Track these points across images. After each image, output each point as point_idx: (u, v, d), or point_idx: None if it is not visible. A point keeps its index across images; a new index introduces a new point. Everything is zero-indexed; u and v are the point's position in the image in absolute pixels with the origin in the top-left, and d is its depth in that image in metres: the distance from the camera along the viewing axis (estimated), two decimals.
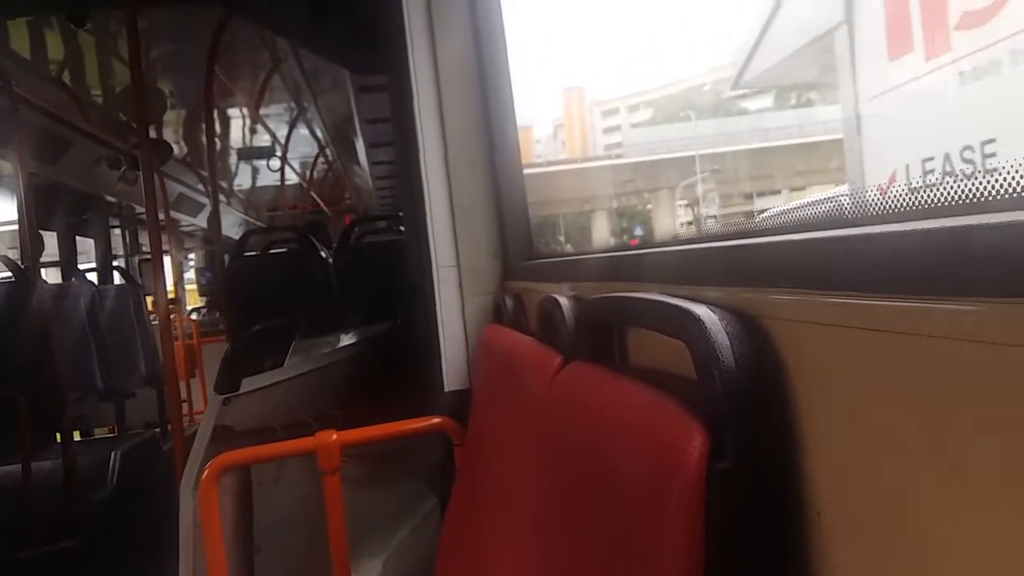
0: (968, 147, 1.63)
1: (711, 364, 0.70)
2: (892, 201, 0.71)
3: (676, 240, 1.17)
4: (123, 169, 5.38)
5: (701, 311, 0.73)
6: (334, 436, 1.84)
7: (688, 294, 0.84)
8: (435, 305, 2.13)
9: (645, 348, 1.04)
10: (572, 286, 1.43)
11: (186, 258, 10.16)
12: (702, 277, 0.86)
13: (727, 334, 0.70)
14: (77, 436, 4.22)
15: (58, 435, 3.71)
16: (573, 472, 0.98)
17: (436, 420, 2.00)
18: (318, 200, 9.28)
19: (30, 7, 3.63)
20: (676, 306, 0.77)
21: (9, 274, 4.15)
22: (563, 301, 1.32)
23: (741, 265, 0.79)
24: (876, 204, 0.71)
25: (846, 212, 0.79)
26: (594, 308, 1.10)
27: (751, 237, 0.87)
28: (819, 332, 0.64)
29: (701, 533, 0.68)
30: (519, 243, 2.11)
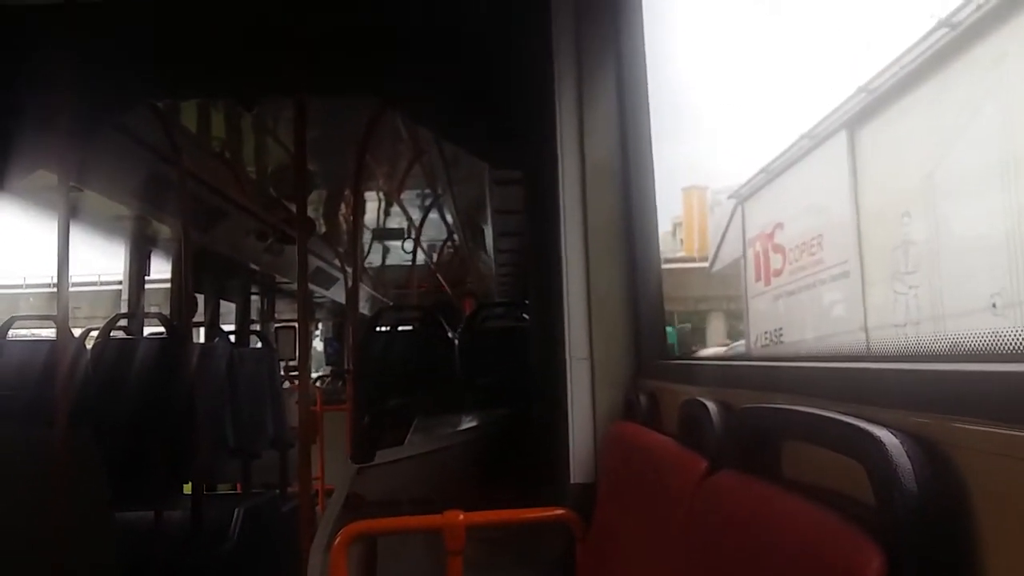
0: (777, 330, 3.16)
1: (891, 487, 0.70)
2: None
3: (837, 356, 1.17)
4: (270, 241, 5.78)
5: (881, 433, 0.74)
6: (461, 516, 1.87)
7: (854, 412, 0.85)
8: (566, 396, 2.15)
9: (802, 462, 1.03)
10: (715, 391, 1.44)
11: (315, 327, 10.63)
12: (872, 397, 0.87)
13: (908, 458, 0.71)
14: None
15: (186, 487, 3.89)
16: None
17: (559, 511, 2.00)
18: (442, 282, 9.58)
19: (207, 90, 3.97)
20: (854, 426, 0.78)
21: (160, 330, 4.47)
22: (710, 406, 1.33)
23: (919, 390, 0.80)
24: None
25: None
26: (751, 417, 1.11)
27: (926, 362, 0.88)
28: (1010, 464, 0.64)
29: None
30: (654, 340, 2.13)
